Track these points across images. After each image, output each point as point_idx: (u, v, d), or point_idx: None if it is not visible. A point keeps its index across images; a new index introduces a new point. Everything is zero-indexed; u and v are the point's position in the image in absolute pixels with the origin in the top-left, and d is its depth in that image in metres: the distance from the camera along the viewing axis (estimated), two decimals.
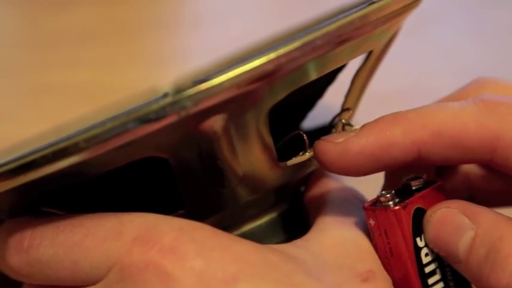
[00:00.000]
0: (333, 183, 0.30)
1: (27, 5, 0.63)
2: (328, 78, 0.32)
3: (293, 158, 0.28)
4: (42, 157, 0.22)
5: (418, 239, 0.27)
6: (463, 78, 0.31)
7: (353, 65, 0.31)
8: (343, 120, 0.30)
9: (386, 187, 0.31)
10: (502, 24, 0.58)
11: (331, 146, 0.26)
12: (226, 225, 0.27)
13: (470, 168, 0.31)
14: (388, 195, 0.27)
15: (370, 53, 0.30)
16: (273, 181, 0.28)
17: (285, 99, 0.26)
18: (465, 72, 0.29)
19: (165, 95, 0.23)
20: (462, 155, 0.26)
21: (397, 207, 0.27)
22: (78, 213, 0.26)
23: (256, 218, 0.29)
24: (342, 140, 0.26)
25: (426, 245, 0.27)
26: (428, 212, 0.27)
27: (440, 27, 0.58)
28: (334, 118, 0.31)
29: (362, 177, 0.27)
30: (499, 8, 0.60)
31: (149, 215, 0.25)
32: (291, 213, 0.30)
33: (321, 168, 0.30)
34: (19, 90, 0.52)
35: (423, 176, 0.28)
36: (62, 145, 0.22)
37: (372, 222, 0.27)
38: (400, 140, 0.26)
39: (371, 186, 0.30)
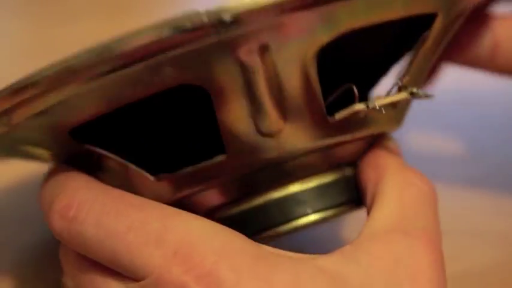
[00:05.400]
0: (391, 161, 0.27)
1: (37, 18, 0.64)
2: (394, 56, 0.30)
3: (341, 111, 0.26)
4: (85, 60, 0.22)
5: None
6: None
7: None
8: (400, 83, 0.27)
9: None
10: None
11: None
12: (271, 180, 0.26)
13: None
14: None
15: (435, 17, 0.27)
16: (321, 136, 0.26)
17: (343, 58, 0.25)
18: None
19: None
20: None
21: None
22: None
23: (304, 180, 0.27)
24: None
25: None
26: None
27: None
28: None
29: None
30: None
31: (194, 223, 0.24)
32: (343, 183, 0.28)
33: (377, 142, 0.28)
34: None
35: None
36: (97, 50, 0.22)
37: None
38: None
39: None
